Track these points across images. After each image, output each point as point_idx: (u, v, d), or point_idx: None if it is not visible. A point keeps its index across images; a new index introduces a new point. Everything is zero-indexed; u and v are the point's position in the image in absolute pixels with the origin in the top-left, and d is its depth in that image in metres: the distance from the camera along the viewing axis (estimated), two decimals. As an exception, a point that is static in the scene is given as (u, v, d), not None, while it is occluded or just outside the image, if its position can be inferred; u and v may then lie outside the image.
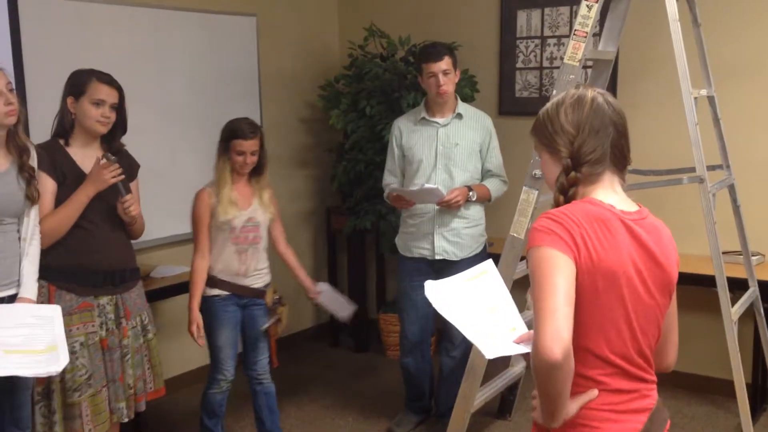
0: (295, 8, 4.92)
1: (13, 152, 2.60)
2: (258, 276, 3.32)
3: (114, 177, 2.79)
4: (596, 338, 1.54)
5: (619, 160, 1.63)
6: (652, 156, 4.00)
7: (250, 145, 3.16)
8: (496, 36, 4.64)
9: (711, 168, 3.22)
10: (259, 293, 3.32)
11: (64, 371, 2.76)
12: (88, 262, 2.83)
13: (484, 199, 3.64)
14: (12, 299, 2.61)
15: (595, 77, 3.41)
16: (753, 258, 3.60)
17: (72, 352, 2.69)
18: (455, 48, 4.10)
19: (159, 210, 3.34)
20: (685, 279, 3.62)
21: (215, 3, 4.35)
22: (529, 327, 1.77)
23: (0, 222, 2.55)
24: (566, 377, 1.43)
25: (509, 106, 4.61)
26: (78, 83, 2.81)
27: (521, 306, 1.91)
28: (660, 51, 3.88)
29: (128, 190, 2.89)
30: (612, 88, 4.12)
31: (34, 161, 2.68)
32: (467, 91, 4.39)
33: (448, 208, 3.51)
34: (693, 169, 3.08)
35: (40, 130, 3.03)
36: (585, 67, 3.69)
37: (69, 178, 2.81)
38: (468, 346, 3.48)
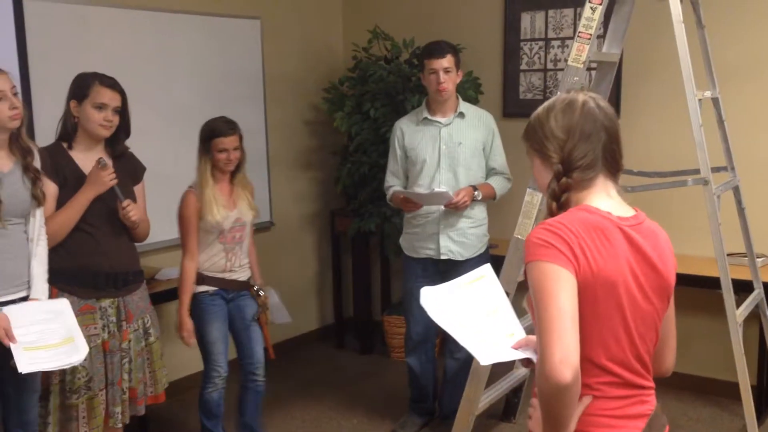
0: (298, 11, 4.93)
1: (17, 153, 2.62)
2: (242, 270, 3.38)
3: (112, 179, 2.80)
4: (595, 347, 1.52)
5: (612, 164, 1.60)
6: (657, 158, 4.00)
7: (230, 141, 3.20)
8: (500, 38, 4.64)
9: (715, 170, 3.22)
10: (245, 285, 3.39)
11: (64, 373, 2.78)
12: (90, 265, 2.84)
13: (489, 198, 3.64)
14: (22, 302, 2.62)
15: (600, 79, 3.41)
16: (758, 260, 3.59)
17: (63, 367, 2.70)
18: (460, 50, 4.10)
19: (163, 212, 3.35)
20: (690, 281, 3.66)
21: (219, 6, 4.36)
22: (528, 332, 1.77)
23: (7, 222, 2.56)
24: (575, 398, 1.42)
25: (513, 107, 4.61)
26: (81, 87, 2.83)
27: (521, 311, 1.89)
28: (664, 53, 3.88)
29: (127, 195, 2.90)
30: (616, 89, 4.12)
31: (38, 162, 2.69)
32: (471, 92, 4.39)
33: (456, 209, 3.51)
34: (697, 171, 3.08)
35: (45, 132, 3.04)
36: (589, 69, 3.68)
37: (70, 181, 2.82)
38: (472, 347, 3.48)
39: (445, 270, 3.53)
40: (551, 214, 1.59)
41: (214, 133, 3.19)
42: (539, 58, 4.53)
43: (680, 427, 3.82)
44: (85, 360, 2.80)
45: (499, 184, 3.65)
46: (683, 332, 4.17)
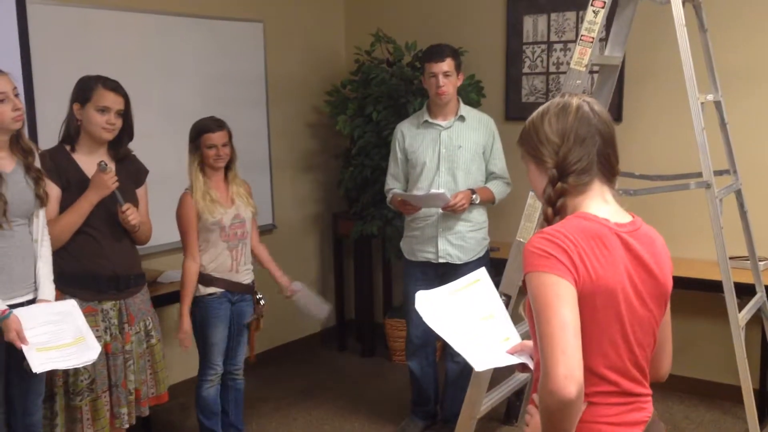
0: (301, 14, 4.93)
1: (18, 154, 2.62)
2: (246, 272, 3.41)
3: (114, 182, 2.81)
4: (593, 355, 1.51)
5: (607, 169, 1.59)
6: (659, 161, 4.00)
7: (218, 137, 3.24)
8: (503, 41, 4.65)
9: (718, 173, 3.22)
10: (249, 289, 3.42)
11: (67, 375, 2.79)
12: (92, 268, 2.85)
13: (488, 202, 3.63)
14: (30, 304, 2.63)
15: (602, 82, 3.41)
16: (760, 263, 3.58)
17: (76, 366, 2.71)
18: (462, 53, 4.10)
19: (166, 215, 3.35)
20: (692, 284, 3.66)
21: (222, 9, 4.37)
22: (524, 338, 1.76)
23: (13, 223, 2.56)
24: (578, 413, 1.41)
25: (516, 111, 4.61)
26: (84, 90, 2.83)
27: (519, 316, 1.89)
28: (666, 56, 3.88)
29: (129, 198, 2.90)
30: (618, 93, 4.12)
31: (38, 163, 2.70)
32: (474, 96, 4.40)
33: (453, 212, 3.51)
34: (700, 174, 3.07)
35: (48, 134, 3.05)
36: (591, 72, 3.69)
37: (74, 184, 2.82)
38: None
39: (444, 273, 3.52)
40: (547, 219, 1.58)
41: (202, 129, 3.24)
42: (541, 61, 4.53)
43: (682, 430, 3.81)
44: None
45: (498, 189, 3.64)
46: (685, 336, 4.17)
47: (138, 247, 3.09)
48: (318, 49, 5.09)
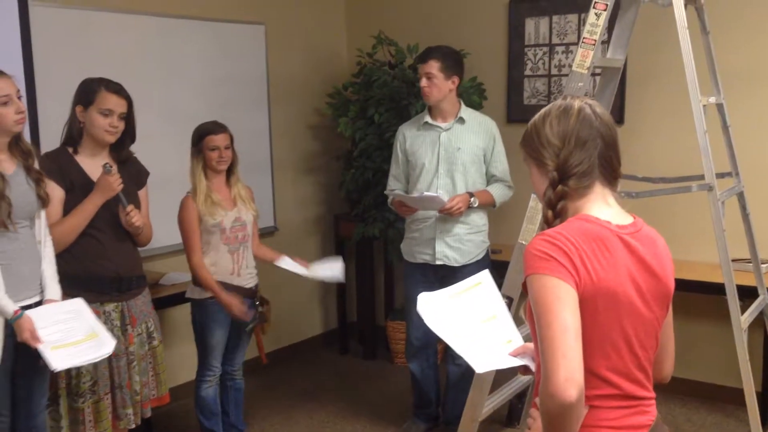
0: (303, 16, 4.94)
1: (18, 156, 2.62)
2: (249, 276, 3.41)
3: (119, 184, 2.81)
4: (595, 357, 1.51)
5: (609, 172, 1.58)
6: (661, 163, 4.00)
7: (221, 139, 3.26)
8: (505, 43, 4.65)
9: (720, 176, 3.21)
10: (251, 293, 3.41)
11: (69, 377, 2.79)
12: (95, 269, 2.85)
13: (488, 205, 3.63)
14: (38, 305, 2.63)
15: (604, 85, 3.41)
16: (762, 266, 3.58)
17: (94, 361, 2.71)
18: (464, 55, 4.10)
19: (168, 217, 3.36)
20: (695, 286, 3.65)
21: (224, 11, 4.37)
22: (526, 340, 1.76)
23: (17, 225, 2.56)
24: (579, 416, 1.41)
25: (517, 113, 4.61)
26: (87, 92, 2.84)
27: (520, 319, 1.88)
28: (668, 58, 3.88)
29: (131, 200, 2.91)
30: (620, 95, 4.12)
31: (37, 165, 2.70)
32: (475, 98, 4.40)
33: (450, 215, 3.51)
34: (702, 177, 3.07)
35: (50, 136, 3.05)
36: (593, 74, 3.69)
37: (77, 186, 2.83)
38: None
39: (443, 276, 3.52)
40: (547, 221, 1.58)
41: (205, 132, 3.27)
42: (543, 63, 4.54)
43: (685, 433, 3.81)
44: (89, 364, 2.82)
45: (498, 192, 3.63)
46: (687, 338, 4.17)
47: (139, 249, 3.09)
48: (320, 51, 5.09)
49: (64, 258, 2.79)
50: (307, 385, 4.55)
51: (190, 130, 3.34)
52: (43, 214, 2.68)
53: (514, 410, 3.93)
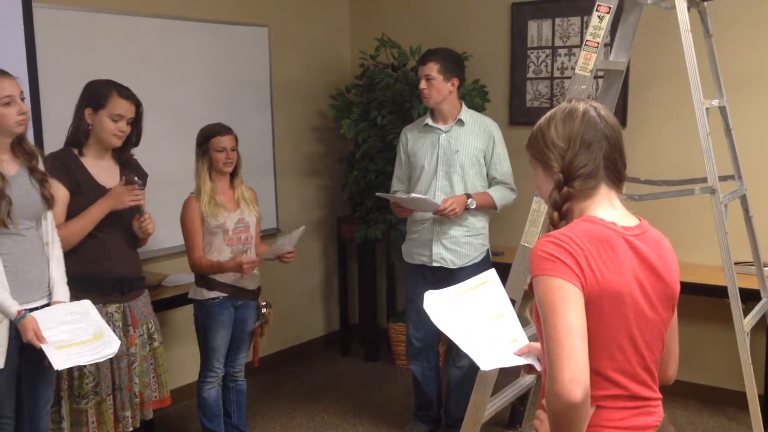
0: (306, 19, 4.95)
1: (21, 157, 2.62)
2: (252, 278, 3.41)
3: (133, 200, 2.82)
4: (601, 358, 1.52)
5: (614, 173, 1.59)
6: (664, 166, 3.99)
7: (228, 140, 3.29)
8: (507, 46, 4.65)
9: (723, 178, 3.21)
10: (253, 295, 3.42)
11: (72, 378, 2.79)
12: (98, 270, 2.86)
13: (487, 207, 3.61)
14: (45, 308, 2.63)
15: (607, 87, 3.41)
16: (765, 269, 3.58)
17: (98, 361, 2.71)
18: (466, 58, 4.11)
19: (170, 219, 3.36)
20: (697, 289, 3.65)
21: (227, 13, 4.38)
22: (531, 340, 1.77)
23: (21, 227, 2.56)
24: (585, 416, 1.42)
25: (520, 115, 4.62)
26: (98, 96, 2.83)
27: (525, 319, 1.89)
28: (671, 61, 3.88)
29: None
30: (623, 98, 4.12)
31: (41, 166, 2.69)
32: (478, 100, 4.40)
33: (445, 217, 3.51)
34: (705, 180, 3.07)
35: (54, 137, 3.06)
36: (596, 77, 3.69)
37: (84, 189, 2.83)
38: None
39: (441, 278, 3.52)
40: (553, 223, 1.59)
41: (211, 134, 3.28)
42: (546, 66, 4.54)
43: (687, 436, 3.81)
44: (92, 365, 2.82)
45: (499, 194, 3.60)
46: (690, 341, 4.16)
47: (140, 250, 3.10)
48: (323, 54, 5.10)
49: (67, 258, 2.79)
50: (309, 387, 4.55)
51: (193, 132, 3.35)
52: (49, 215, 2.68)
53: (516, 413, 3.93)
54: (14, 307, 2.47)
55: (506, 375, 3.37)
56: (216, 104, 4.27)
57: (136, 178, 2.83)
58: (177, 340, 4.11)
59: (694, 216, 3.92)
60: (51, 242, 2.67)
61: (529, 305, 1.55)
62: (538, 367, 1.70)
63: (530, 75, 4.60)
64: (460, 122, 3.59)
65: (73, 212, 2.81)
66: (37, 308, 2.58)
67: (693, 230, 3.94)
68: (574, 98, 1.66)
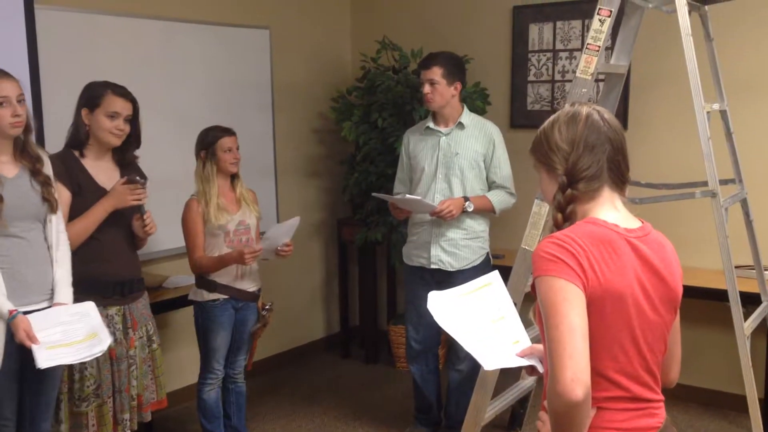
0: (307, 21, 4.95)
1: (24, 160, 2.61)
2: (252, 280, 3.41)
3: (135, 199, 2.81)
4: (603, 359, 1.53)
5: (617, 176, 1.61)
6: (665, 170, 4.00)
7: (233, 140, 3.32)
8: (508, 49, 4.66)
9: (723, 182, 3.22)
10: (254, 297, 3.43)
11: (72, 381, 2.79)
12: (98, 272, 2.85)
13: (486, 211, 3.61)
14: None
15: (608, 91, 3.41)
16: (766, 272, 3.58)
17: (81, 362, 2.71)
18: (467, 61, 4.11)
19: (171, 221, 3.37)
20: (698, 293, 3.65)
21: (229, 16, 4.39)
22: (534, 342, 1.77)
23: (21, 229, 2.55)
24: (586, 416, 1.42)
25: (521, 118, 4.62)
26: (93, 96, 2.84)
27: (527, 321, 1.90)
28: (672, 65, 3.88)
29: (133, 207, 2.90)
30: (624, 101, 4.13)
31: (49, 170, 2.69)
32: (479, 103, 4.41)
33: (441, 219, 3.51)
34: (705, 183, 3.07)
35: (55, 139, 3.06)
36: (597, 80, 3.70)
37: (85, 190, 2.83)
38: (475, 359, 3.47)
39: (439, 280, 3.53)
40: (557, 225, 1.60)
41: (218, 135, 3.29)
42: (547, 69, 4.54)
43: (687, 439, 3.81)
44: (94, 368, 2.82)
45: (498, 198, 3.60)
46: (691, 345, 4.16)
47: (141, 251, 3.10)
48: (324, 56, 5.10)
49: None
50: (309, 389, 4.55)
51: (194, 133, 3.35)
52: (54, 218, 2.66)
53: (516, 415, 3.93)
54: (6, 306, 2.46)
55: (506, 377, 3.37)
56: (217, 106, 4.27)
57: (138, 177, 2.84)
58: (177, 341, 4.11)
59: (695, 219, 3.92)
60: (55, 244, 2.66)
61: (532, 307, 1.56)
62: (540, 369, 1.71)
63: (531, 78, 4.60)
64: (461, 125, 3.60)
65: (73, 214, 2.81)
66: (36, 310, 2.57)
67: (694, 234, 3.94)
68: (577, 102, 1.68)
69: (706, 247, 3.83)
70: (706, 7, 3.38)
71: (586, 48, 2.91)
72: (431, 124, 3.64)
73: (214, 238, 3.27)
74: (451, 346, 3.76)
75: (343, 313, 5.17)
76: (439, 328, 1.74)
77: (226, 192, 3.34)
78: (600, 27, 2.89)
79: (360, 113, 4.61)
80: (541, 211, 2.96)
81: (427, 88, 3.52)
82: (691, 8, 3.15)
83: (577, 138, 1.58)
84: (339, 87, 4.94)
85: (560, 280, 1.46)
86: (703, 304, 3.87)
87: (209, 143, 3.28)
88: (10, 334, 2.49)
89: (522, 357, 1.72)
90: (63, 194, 2.76)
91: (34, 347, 2.45)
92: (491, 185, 3.64)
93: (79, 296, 2.73)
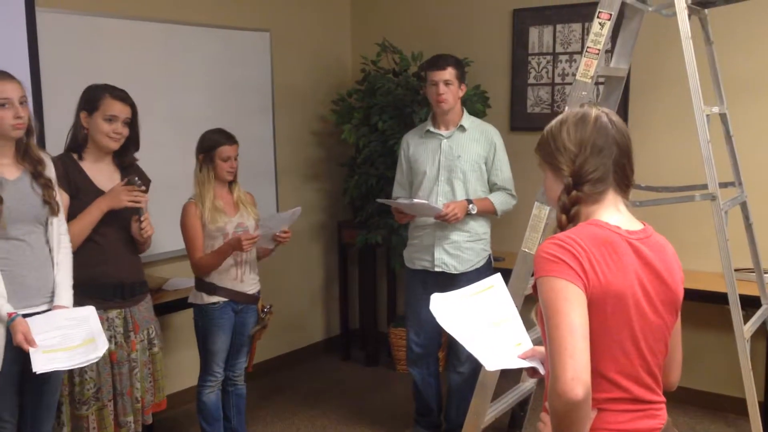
0: (308, 24, 4.96)
1: (26, 163, 2.61)
2: (252, 282, 3.42)
3: (131, 200, 2.81)
4: (604, 360, 1.53)
5: (622, 179, 1.62)
6: (665, 173, 4.00)
7: (233, 150, 3.31)
8: (508, 51, 4.66)
9: (723, 185, 3.22)
10: (253, 299, 3.43)
11: (72, 384, 2.79)
12: (99, 275, 2.86)
13: (488, 213, 3.62)
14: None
15: (608, 94, 3.42)
16: (765, 275, 3.58)
17: (80, 366, 2.71)
18: (467, 64, 4.12)
19: (171, 223, 3.37)
20: (698, 296, 3.65)
21: (230, 18, 4.39)
22: (535, 344, 1.78)
23: (21, 232, 2.56)
24: (586, 416, 1.43)
25: (521, 121, 4.62)
26: (91, 99, 2.85)
27: (528, 323, 1.91)
28: (672, 68, 3.89)
29: (133, 209, 2.90)
30: (624, 104, 4.13)
31: (51, 172, 2.69)
32: (479, 106, 4.41)
33: (447, 222, 3.51)
34: (705, 186, 3.08)
35: (55, 142, 3.06)
36: (597, 83, 3.70)
37: (82, 192, 2.83)
38: (475, 362, 3.44)
39: (442, 283, 3.52)
40: (561, 226, 1.61)
41: (219, 142, 3.28)
42: (547, 72, 4.55)
43: (687, 442, 3.81)
44: (93, 371, 2.82)
45: (499, 200, 3.62)
46: (691, 347, 4.17)
47: (141, 254, 3.10)
48: (324, 58, 5.11)
49: None
50: (309, 392, 4.55)
51: (194, 136, 3.35)
52: (55, 221, 2.66)
53: (516, 418, 3.93)
54: (5, 309, 2.46)
55: (506, 380, 3.37)
56: (218, 108, 4.28)
57: (136, 179, 2.84)
58: (177, 343, 4.11)
59: (695, 222, 3.92)
60: (57, 247, 2.66)
61: (534, 308, 1.56)
62: (541, 371, 1.72)
63: (531, 81, 4.61)
64: (462, 128, 3.60)
65: (71, 216, 2.81)
66: (36, 313, 2.57)
67: (693, 237, 3.95)
68: (586, 103, 1.68)
69: (705, 250, 3.83)
70: (706, 10, 3.39)
71: (586, 51, 2.92)
72: (431, 127, 3.64)
73: (212, 240, 3.28)
74: (452, 348, 3.76)
75: (344, 315, 5.17)
76: (440, 330, 1.75)
77: (223, 195, 3.34)
78: (600, 30, 2.90)
79: (360, 116, 4.62)
80: (541, 214, 2.96)
81: (442, 89, 3.51)
82: (691, 11, 3.15)
83: (585, 140, 1.59)
84: (339, 89, 4.94)
85: (561, 280, 1.47)
86: (703, 307, 3.87)
87: (208, 148, 3.28)
88: (10, 337, 2.49)
89: (524, 359, 1.72)
90: (63, 197, 2.76)
91: (32, 351, 2.45)
92: (492, 187, 3.65)
93: (79, 299, 2.73)
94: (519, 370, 1.75)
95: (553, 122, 1.67)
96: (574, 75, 2.98)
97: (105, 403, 2.87)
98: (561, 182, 1.62)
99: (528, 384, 3.72)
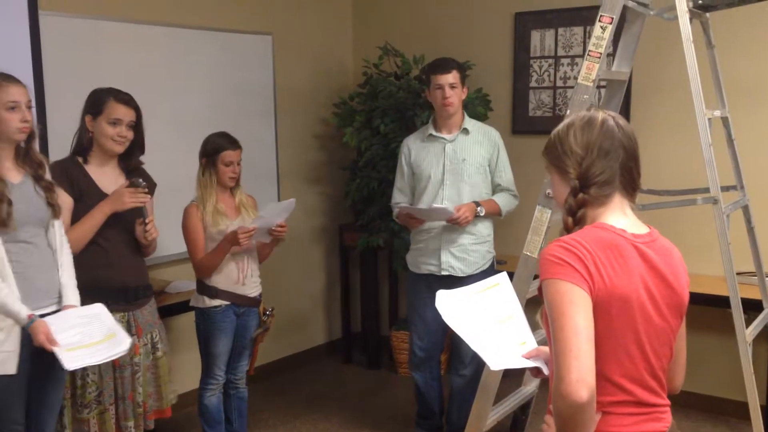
0: (310, 27, 4.97)
1: (27, 166, 2.62)
2: (253, 285, 3.42)
3: (134, 202, 2.81)
4: (609, 363, 1.54)
5: (629, 182, 1.63)
6: (667, 176, 4.00)
7: (236, 155, 3.30)
8: (510, 55, 4.67)
9: (725, 189, 3.22)
10: (255, 302, 3.43)
11: (74, 387, 2.79)
12: (102, 279, 2.86)
13: (494, 214, 3.63)
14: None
15: (609, 97, 3.42)
16: (767, 279, 3.58)
17: (83, 369, 2.71)
18: (468, 67, 4.12)
19: (174, 226, 3.37)
20: (700, 299, 3.64)
21: (232, 22, 4.40)
22: (540, 344, 1.78)
23: (30, 234, 2.56)
24: (591, 418, 1.43)
25: (522, 125, 4.63)
26: (96, 102, 2.86)
27: (533, 324, 1.92)
28: (674, 72, 3.89)
29: (139, 212, 2.90)
30: (625, 108, 4.13)
31: (49, 175, 2.70)
32: (481, 109, 4.41)
33: (458, 225, 3.52)
34: (707, 190, 3.08)
35: (59, 146, 3.07)
36: (599, 87, 3.70)
37: (86, 195, 2.84)
38: (478, 364, 3.47)
39: (447, 286, 3.50)
40: (567, 229, 1.62)
41: (222, 146, 3.27)
42: (549, 75, 4.55)
43: (689, 446, 3.80)
44: (96, 374, 2.82)
45: (504, 201, 3.64)
46: (693, 351, 4.16)
47: (145, 258, 3.10)
48: (326, 62, 5.11)
49: None
50: (311, 395, 4.55)
51: (197, 139, 3.36)
52: (57, 223, 2.67)
53: (517, 421, 3.92)
54: (24, 311, 2.46)
55: (508, 383, 3.37)
56: (220, 111, 4.28)
57: (140, 180, 2.84)
58: (178, 346, 4.11)
59: (697, 226, 3.92)
60: (59, 249, 2.67)
61: (539, 310, 1.57)
62: (545, 371, 1.72)
63: (533, 84, 4.61)
64: (465, 131, 3.61)
65: (76, 219, 2.82)
66: (47, 314, 2.58)
67: (695, 240, 3.95)
68: (592, 107, 1.69)
69: (707, 254, 3.83)
70: (708, 14, 3.39)
71: (588, 54, 2.92)
72: (433, 131, 3.65)
73: (213, 243, 3.27)
74: (455, 350, 3.75)
75: (345, 318, 5.17)
76: (444, 333, 1.76)
77: (225, 198, 3.34)
78: (601, 34, 2.90)
79: (362, 119, 4.63)
80: (543, 217, 2.96)
81: (448, 92, 3.51)
82: (693, 15, 3.16)
83: (591, 143, 1.59)
84: (341, 93, 4.95)
85: (566, 283, 1.48)
86: (705, 311, 3.87)
87: (212, 152, 3.28)
88: (25, 339, 2.49)
89: (528, 358, 1.73)
90: (65, 200, 2.77)
91: (56, 350, 2.46)
92: (496, 188, 3.67)
93: (83, 302, 2.73)
94: (521, 373, 1.76)
95: (561, 126, 1.68)
96: (575, 78, 2.99)
97: (106, 407, 2.87)
98: (568, 185, 1.63)
99: (530, 387, 3.72)
